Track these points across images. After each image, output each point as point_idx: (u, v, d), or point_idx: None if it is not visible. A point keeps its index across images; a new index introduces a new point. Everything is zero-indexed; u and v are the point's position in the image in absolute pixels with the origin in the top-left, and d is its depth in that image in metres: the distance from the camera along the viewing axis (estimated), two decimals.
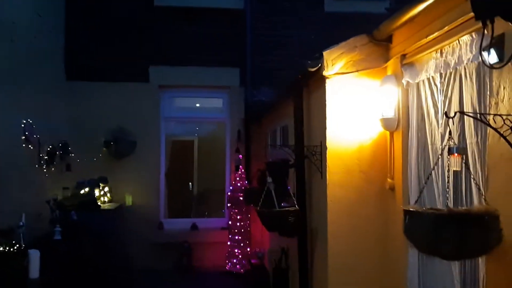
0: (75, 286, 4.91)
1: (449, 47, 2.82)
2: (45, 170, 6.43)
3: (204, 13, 8.08)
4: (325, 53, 3.89)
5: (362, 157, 3.97)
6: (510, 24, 2.05)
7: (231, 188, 7.77)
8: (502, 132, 2.16)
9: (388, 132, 3.87)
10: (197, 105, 8.98)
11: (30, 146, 5.97)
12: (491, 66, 2.19)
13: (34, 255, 4.46)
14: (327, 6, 8.10)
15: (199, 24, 8.09)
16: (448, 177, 2.35)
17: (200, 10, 8.05)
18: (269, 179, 4.71)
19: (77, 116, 7.61)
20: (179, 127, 9.48)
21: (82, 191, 6.76)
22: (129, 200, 7.80)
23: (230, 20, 8.17)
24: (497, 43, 2.23)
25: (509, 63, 2.16)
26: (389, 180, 3.84)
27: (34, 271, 4.44)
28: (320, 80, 4.07)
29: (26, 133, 5.84)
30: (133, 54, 7.99)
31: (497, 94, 2.37)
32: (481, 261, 2.50)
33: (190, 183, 9.50)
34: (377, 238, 3.94)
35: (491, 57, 2.23)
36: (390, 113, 3.71)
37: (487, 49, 2.18)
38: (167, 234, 7.94)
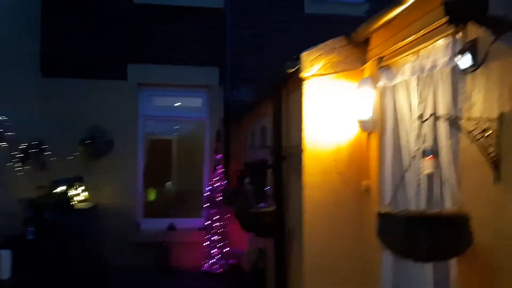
0: (47, 286, 4.82)
1: (425, 50, 2.85)
2: (19, 169, 6.30)
3: (183, 11, 8.01)
4: (303, 55, 3.89)
5: (339, 159, 3.98)
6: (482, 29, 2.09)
7: (209, 188, 7.73)
8: (474, 135, 2.19)
9: (365, 134, 3.90)
10: (176, 104, 8.91)
11: (4, 143, 5.84)
12: (463, 70, 2.22)
13: (5, 256, 4.39)
14: (307, 8, 8.12)
15: (179, 22, 8.02)
16: (421, 179, 2.37)
17: (180, 8, 7.99)
18: (247, 180, 4.71)
19: (53, 113, 7.45)
20: (158, 126, 9.36)
21: (57, 190, 6.64)
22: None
23: (210, 19, 8.13)
24: (471, 48, 2.26)
25: (482, 67, 2.20)
26: (364, 181, 3.87)
27: (5, 271, 4.37)
28: (298, 81, 4.07)
29: (0, 130, 5.71)
30: (112, 52, 7.87)
31: (471, 97, 2.40)
32: (453, 263, 2.53)
33: (168, 183, 9.42)
34: (354, 239, 3.96)
35: (465, 61, 2.26)
36: (367, 115, 3.74)
37: (461, 53, 2.21)
38: (144, 234, 7.84)
